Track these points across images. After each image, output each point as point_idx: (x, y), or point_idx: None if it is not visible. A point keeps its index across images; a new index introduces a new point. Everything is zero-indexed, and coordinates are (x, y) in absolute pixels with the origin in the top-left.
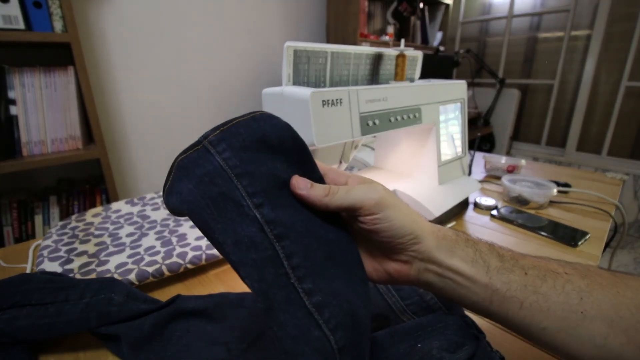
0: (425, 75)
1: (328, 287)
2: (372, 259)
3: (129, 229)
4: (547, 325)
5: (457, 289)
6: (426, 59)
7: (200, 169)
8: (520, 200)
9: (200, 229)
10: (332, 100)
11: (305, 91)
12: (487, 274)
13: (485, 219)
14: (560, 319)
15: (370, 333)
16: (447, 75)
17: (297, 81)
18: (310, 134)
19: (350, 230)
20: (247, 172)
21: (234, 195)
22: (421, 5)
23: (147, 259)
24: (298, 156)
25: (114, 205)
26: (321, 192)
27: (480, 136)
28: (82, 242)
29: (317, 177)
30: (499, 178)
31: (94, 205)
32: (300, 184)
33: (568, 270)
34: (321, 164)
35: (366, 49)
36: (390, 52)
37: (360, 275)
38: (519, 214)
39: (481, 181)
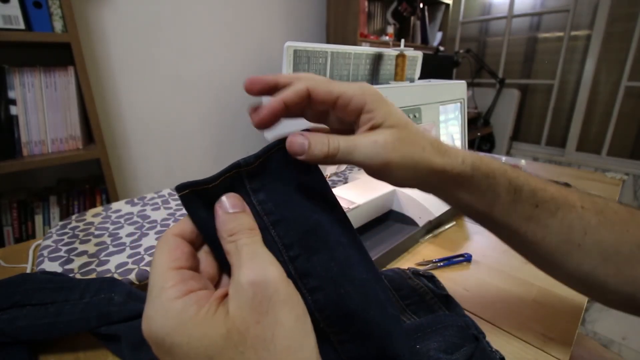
0: (425, 75)
1: (355, 327)
2: None
3: (129, 228)
4: (537, 249)
5: (460, 207)
6: (426, 59)
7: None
8: None
9: None
10: None
11: None
12: (493, 206)
13: None
14: (554, 248)
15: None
16: (447, 75)
17: None
18: None
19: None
20: (283, 219)
21: (272, 247)
22: (421, 5)
23: (147, 259)
24: (322, 189)
25: (114, 205)
26: (320, 150)
27: (480, 136)
28: (82, 242)
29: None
30: None
31: (94, 205)
32: (296, 149)
33: (585, 204)
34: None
35: (366, 49)
36: (390, 52)
37: (391, 312)
38: None
39: None
